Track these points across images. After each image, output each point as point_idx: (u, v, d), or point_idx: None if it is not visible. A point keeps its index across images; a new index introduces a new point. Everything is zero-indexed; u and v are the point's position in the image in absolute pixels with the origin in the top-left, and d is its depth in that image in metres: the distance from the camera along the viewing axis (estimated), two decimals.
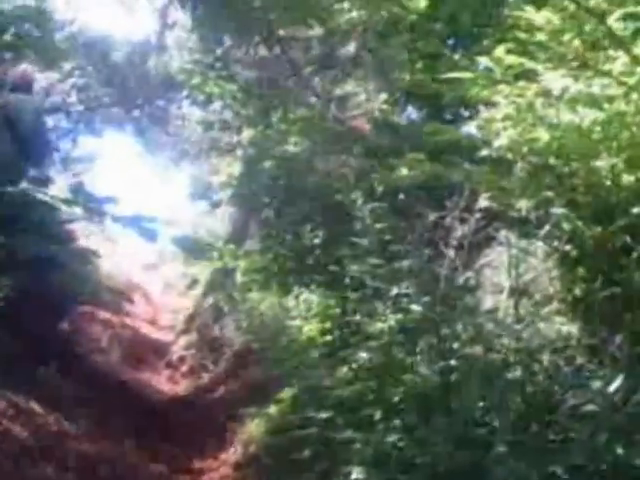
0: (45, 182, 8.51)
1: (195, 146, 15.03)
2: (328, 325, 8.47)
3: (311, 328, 8.77)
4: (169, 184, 18.50)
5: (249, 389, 10.62)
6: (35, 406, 8.64)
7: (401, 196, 7.39)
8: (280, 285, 8.87)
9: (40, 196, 7.80)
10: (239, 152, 9.91)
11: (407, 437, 5.63)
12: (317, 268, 8.37)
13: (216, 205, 11.73)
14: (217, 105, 9.69)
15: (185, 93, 12.21)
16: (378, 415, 5.93)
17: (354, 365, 6.43)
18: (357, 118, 8.39)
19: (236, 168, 11.69)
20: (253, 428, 9.21)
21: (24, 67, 8.68)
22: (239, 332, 11.92)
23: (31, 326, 10.53)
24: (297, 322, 8.91)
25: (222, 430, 9.96)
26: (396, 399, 5.85)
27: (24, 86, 8.49)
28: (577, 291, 5.96)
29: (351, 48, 7.59)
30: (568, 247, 5.98)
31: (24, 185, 7.84)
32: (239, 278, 10.23)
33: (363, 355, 6.28)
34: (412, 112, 8.29)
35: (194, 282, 15.48)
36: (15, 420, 8.22)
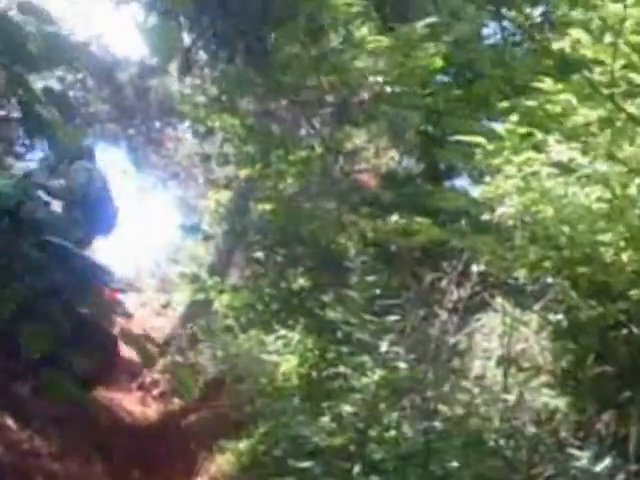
0: (88, 244, 8.43)
1: (185, 170, 14.91)
2: (305, 369, 8.31)
3: (287, 366, 8.60)
4: (155, 204, 18.34)
5: (219, 419, 10.38)
6: (9, 422, 8.40)
7: (393, 247, 7.27)
8: (263, 323, 8.68)
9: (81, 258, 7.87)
10: (234, 185, 9.77)
11: None
12: (302, 311, 8.19)
13: (206, 236, 11.54)
14: (217, 138, 9.56)
15: (181, 119, 12.09)
16: (357, 469, 5.75)
17: (336, 414, 6.23)
18: (364, 172, 8.27)
19: (224, 195, 11.50)
20: (222, 461, 8.98)
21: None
22: (214, 361, 11.68)
23: (8, 340, 10.25)
24: (273, 357, 8.73)
25: (190, 459, 9.69)
26: (377, 456, 5.66)
27: (87, 154, 8.41)
28: (568, 365, 5.84)
29: (364, 99, 7.45)
30: (562, 320, 5.87)
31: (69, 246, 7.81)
32: (220, 308, 10.02)
33: (347, 408, 6.08)
34: (409, 162, 8.19)
35: (170, 303, 15.26)
36: None
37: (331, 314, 7.74)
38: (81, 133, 2.97)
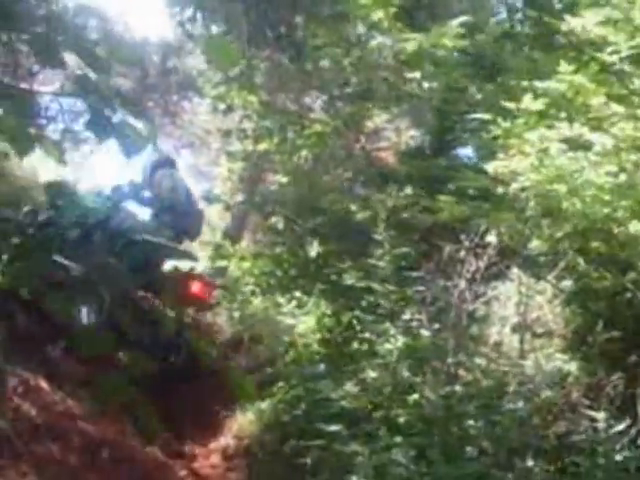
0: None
1: (199, 139, 14.99)
2: (322, 333, 8.43)
3: (303, 328, 8.73)
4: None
5: None
6: (43, 384, 8.52)
7: (405, 215, 7.37)
8: (281, 288, 8.81)
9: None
10: (250, 157, 9.84)
11: (408, 454, 5.59)
12: (319, 277, 8.32)
13: (227, 206, 11.59)
14: (235, 113, 9.64)
15: (197, 93, 12.17)
16: (382, 431, 5.90)
17: (361, 379, 6.38)
18: (384, 150, 8.37)
19: (237, 165, 11.58)
20: (245, 420, 9.13)
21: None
22: (231, 322, 11.81)
23: (39, 303, 10.37)
24: (289, 320, 8.86)
25: (212, 418, 9.84)
26: (401, 419, 5.82)
27: (170, 162, 8.55)
28: (579, 331, 6.00)
29: (382, 77, 7.50)
30: (573, 288, 6.02)
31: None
32: (237, 273, 10.11)
33: (371, 373, 6.24)
34: (425, 139, 8.27)
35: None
36: (25, 398, 8.10)
37: (348, 281, 7.90)
38: (153, 133, 3.00)
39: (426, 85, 6.85)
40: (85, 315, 7.53)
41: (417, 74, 6.79)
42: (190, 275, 8.05)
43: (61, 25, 3.19)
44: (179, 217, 8.24)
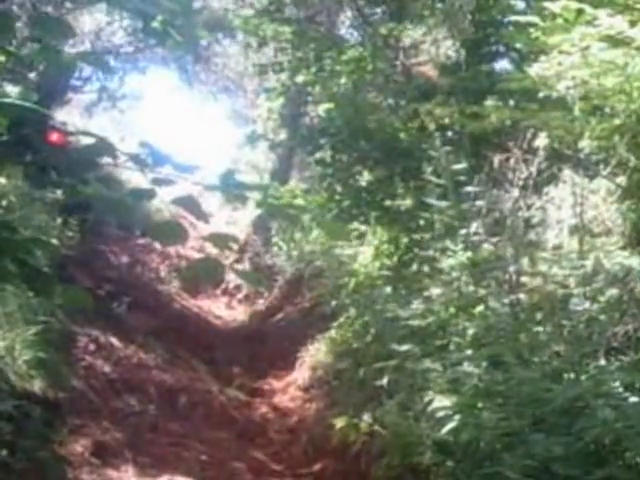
0: None
1: (233, 82, 15.04)
2: (383, 261, 8.51)
3: (364, 257, 8.83)
4: (208, 117, 18.45)
5: (305, 314, 10.74)
6: (113, 340, 8.81)
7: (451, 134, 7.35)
8: (338, 221, 8.87)
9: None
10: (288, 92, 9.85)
11: (480, 365, 5.67)
12: (372, 204, 8.36)
13: (272, 145, 11.65)
14: (266, 49, 9.64)
15: (226, 34, 12.21)
16: (452, 345, 6.01)
17: (426, 297, 6.47)
18: (423, 64, 8.34)
19: (275, 103, 11.58)
20: (316, 352, 9.33)
21: None
22: (290, 261, 12.00)
23: (98, 264, 10.71)
24: (348, 251, 8.95)
25: (284, 353, 10.10)
26: (470, 332, 5.91)
27: None
28: (638, 226, 5.99)
29: None
30: (629, 184, 6.00)
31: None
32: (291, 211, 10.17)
33: (435, 290, 6.34)
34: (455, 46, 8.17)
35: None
36: (97, 355, 8.42)
37: (402, 204, 7.96)
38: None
39: None
40: None
41: None
42: None
43: None
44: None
